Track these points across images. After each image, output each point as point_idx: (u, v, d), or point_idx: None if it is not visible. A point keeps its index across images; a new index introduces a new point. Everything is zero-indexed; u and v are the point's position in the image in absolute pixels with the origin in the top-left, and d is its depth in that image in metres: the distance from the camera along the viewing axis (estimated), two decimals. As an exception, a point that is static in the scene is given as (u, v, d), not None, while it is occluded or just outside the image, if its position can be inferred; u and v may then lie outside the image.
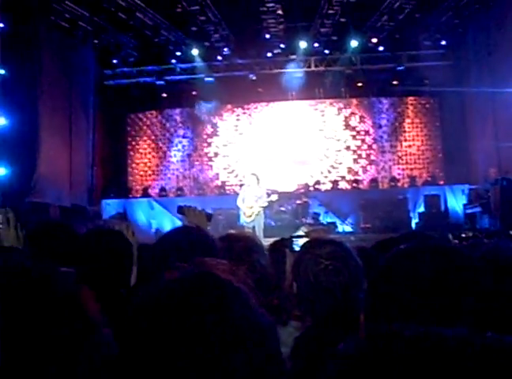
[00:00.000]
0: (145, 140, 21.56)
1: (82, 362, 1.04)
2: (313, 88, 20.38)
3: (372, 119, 20.84)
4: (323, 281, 2.36)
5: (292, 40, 18.69)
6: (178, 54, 19.47)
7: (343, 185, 20.39)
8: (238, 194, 13.83)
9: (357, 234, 16.33)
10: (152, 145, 21.53)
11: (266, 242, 4.35)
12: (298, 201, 17.70)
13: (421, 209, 17.81)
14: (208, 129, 21.17)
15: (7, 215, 3.06)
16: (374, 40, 18.56)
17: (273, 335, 1.10)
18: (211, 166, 21.06)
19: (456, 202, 17.63)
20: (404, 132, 20.79)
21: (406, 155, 20.66)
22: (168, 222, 18.05)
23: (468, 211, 16.10)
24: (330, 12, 16.73)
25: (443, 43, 18.78)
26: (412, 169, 20.54)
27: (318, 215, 17.68)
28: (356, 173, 20.48)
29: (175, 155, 21.30)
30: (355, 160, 20.60)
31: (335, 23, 17.49)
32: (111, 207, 18.70)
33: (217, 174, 20.96)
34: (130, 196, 20.36)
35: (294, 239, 3.46)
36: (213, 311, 1.02)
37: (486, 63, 16.27)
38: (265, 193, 13.27)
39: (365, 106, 20.97)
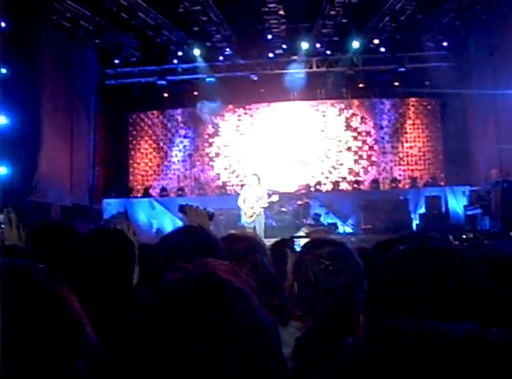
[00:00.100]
0: (147, 140, 21.56)
1: (65, 361, 1.05)
2: (314, 89, 20.38)
3: (373, 120, 20.84)
4: (324, 281, 2.37)
5: (294, 41, 18.69)
6: (180, 54, 19.47)
7: (344, 185, 20.38)
8: (239, 194, 13.83)
9: (358, 235, 16.31)
10: (154, 145, 21.53)
11: (267, 242, 4.35)
12: (299, 202, 17.70)
13: (422, 210, 17.80)
14: (210, 130, 21.17)
15: (9, 215, 3.07)
16: (376, 41, 18.55)
17: (275, 335, 1.10)
18: (212, 166, 21.06)
19: (457, 203, 17.62)
20: (406, 133, 20.78)
21: (407, 156, 20.65)
22: (169, 222, 18.06)
23: (469, 212, 16.08)
24: (332, 13, 16.73)
25: (445, 44, 18.76)
26: (413, 170, 20.53)
27: (319, 215, 17.68)
28: (357, 174, 20.48)
29: (176, 155, 21.30)
30: (356, 161, 20.60)
31: (337, 24, 17.48)
32: (111, 206, 18.69)
33: (218, 174, 20.96)
34: (131, 195, 20.34)
35: (295, 240, 3.46)
36: (215, 312, 1.02)
37: (488, 64, 16.27)
38: (266, 193, 13.27)
39: (366, 107, 20.97)
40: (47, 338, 1.03)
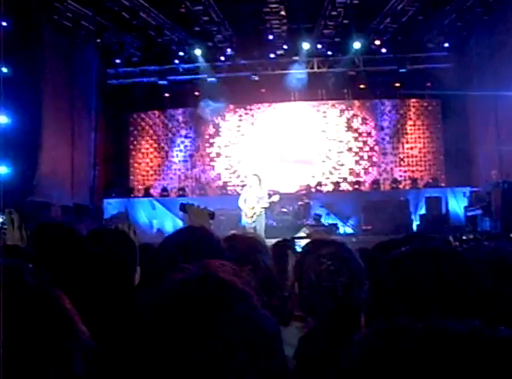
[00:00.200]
0: (147, 140, 21.55)
1: (59, 360, 1.05)
2: (315, 90, 20.38)
3: (374, 121, 20.83)
4: (325, 281, 2.37)
5: (295, 41, 18.68)
6: (181, 54, 19.46)
7: (344, 186, 20.38)
8: (239, 195, 13.81)
9: (358, 235, 16.33)
10: (155, 145, 21.52)
11: (268, 242, 4.36)
12: (299, 202, 17.70)
13: (422, 211, 17.82)
14: (211, 130, 21.16)
15: (11, 216, 3.07)
16: (377, 42, 18.54)
17: (277, 337, 1.11)
18: (213, 166, 21.05)
19: (457, 204, 17.63)
20: (406, 134, 20.77)
21: (408, 157, 20.65)
22: (170, 222, 18.08)
23: (470, 213, 16.08)
24: (333, 13, 16.73)
25: (446, 45, 18.75)
26: (413, 171, 20.53)
27: (320, 216, 17.68)
28: (358, 174, 20.48)
29: (177, 155, 21.29)
30: (356, 162, 20.59)
31: (338, 24, 17.49)
32: (112, 206, 18.71)
33: (219, 174, 20.96)
34: (132, 195, 20.33)
35: (296, 240, 3.47)
36: (217, 313, 1.02)
37: (489, 66, 16.26)
38: (267, 193, 13.25)
39: (367, 107, 20.97)
40: (39, 337, 1.03)
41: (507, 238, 9.86)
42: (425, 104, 20.90)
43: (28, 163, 14.61)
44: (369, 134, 20.78)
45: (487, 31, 16.40)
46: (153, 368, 0.99)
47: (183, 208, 3.90)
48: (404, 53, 19.01)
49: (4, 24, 13.61)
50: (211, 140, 21.16)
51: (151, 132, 21.54)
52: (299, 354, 2.20)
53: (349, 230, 17.83)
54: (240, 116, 21.12)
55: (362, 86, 20.27)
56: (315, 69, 19.77)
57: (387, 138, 20.77)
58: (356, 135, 20.77)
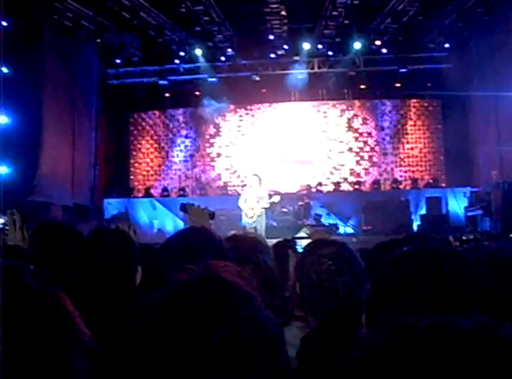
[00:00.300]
0: (148, 140, 21.55)
1: (59, 360, 1.05)
2: (316, 90, 20.38)
3: (375, 121, 20.84)
4: (326, 281, 2.38)
5: (296, 41, 18.67)
6: (182, 54, 19.45)
7: (345, 186, 20.38)
8: (240, 195, 13.81)
9: (359, 235, 16.32)
10: (155, 145, 21.51)
11: (268, 242, 4.36)
12: (300, 202, 17.69)
13: (423, 211, 17.84)
14: (211, 130, 21.16)
15: (13, 217, 3.07)
16: (378, 42, 18.55)
17: (280, 337, 1.11)
18: (213, 166, 21.05)
19: (457, 205, 17.64)
20: (407, 134, 20.77)
21: (408, 157, 20.65)
22: (170, 222, 18.09)
23: (470, 213, 16.09)
24: (334, 13, 16.73)
25: (447, 45, 18.75)
26: (414, 171, 20.52)
27: (320, 216, 17.69)
28: (358, 175, 20.48)
29: (178, 155, 21.29)
30: (357, 162, 20.59)
31: (339, 25, 17.49)
32: (113, 206, 18.72)
33: (219, 174, 20.96)
34: (132, 195, 20.33)
35: (297, 240, 3.48)
36: (221, 314, 1.02)
37: (489, 66, 16.27)
38: (267, 194, 13.24)
39: (368, 108, 20.97)
40: (40, 338, 1.03)
41: (507, 238, 9.87)
42: (425, 104, 20.90)
43: (29, 162, 14.61)
44: (369, 134, 20.78)
45: (487, 32, 16.41)
46: (156, 368, 0.99)
47: (183, 208, 3.90)
48: (405, 53, 19.01)
49: (4, 24, 13.61)
50: (211, 140, 21.16)
51: (151, 132, 21.54)
52: (301, 354, 2.20)
53: (349, 231, 17.84)
54: (241, 116, 21.12)
55: (362, 86, 20.27)
56: (316, 70, 19.76)
57: (387, 138, 20.77)
58: (357, 135, 20.77)
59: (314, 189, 19.49)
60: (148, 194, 20.18)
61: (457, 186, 18.05)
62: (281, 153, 20.32)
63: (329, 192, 19.89)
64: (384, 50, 19.04)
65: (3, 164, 13.95)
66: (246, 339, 1.01)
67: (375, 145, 20.71)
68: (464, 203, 16.85)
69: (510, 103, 15.01)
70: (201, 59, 19.16)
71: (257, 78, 19.67)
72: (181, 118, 21.51)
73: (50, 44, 15.76)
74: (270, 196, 13.30)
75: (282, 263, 3.35)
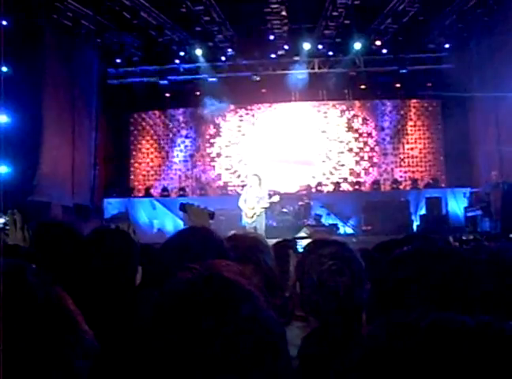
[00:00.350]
0: (148, 140, 21.54)
1: (61, 359, 1.05)
2: (316, 90, 20.37)
3: (375, 121, 20.84)
4: (327, 281, 2.38)
5: (296, 42, 18.66)
6: (182, 54, 19.45)
7: (345, 186, 20.38)
8: (240, 195, 13.82)
9: (358, 235, 16.33)
10: (155, 145, 21.51)
11: (268, 242, 4.36)
12: (300, 203, 17.69)
13: (422, 212, 17.84)
14: (211, 130, 21.16)
15: (14, 217, 3.07)
16: (378, 43, 18.54)
17: (282, 337, 1.11)
18: (213, 166, 21.05)
19: (457, 205, 17.65)
20: (407, 134, 20.77)
21: (408, 157, 20.65)
22: (170, 222, 18.09)
23: (469, 214, 16.10)
24: (334, 14, 16.72)
25: (447, 46, 18.75)
26: (414, 171, 20.53)
27: (320, 216, 17.69)
28: (358, 175, 20.48)
29: (178, 155, 21.28)
30: (357, 162, 20.59)
31: (339, 25, 17.48)
32: (112, 206, 18.72)
33: (219, 174, 20.95)
34: (132, 195, 20.34)
35: (297, 240, 3.48)
36: (223, 313, 1.02)
37: (489, 67, 16.26)
38: (267, 194, 13.26)
39: (368, 108, 20.97)
40: (41, 337, 1.03)
41: (507, 238, 9.88)
42: (425, 105, 20.90)
43: (29, 162, 14.60)
44: (369, 135, 20.79)
45: (487, 32, 16.41)
46: (159, 367, 0.99)
47: (183, 208, 3.90)
48: (405, 53, 19.00)
49: (4, 23, 13.60)
50: (211, 141, 21.15)
51: (151, 132, 21.54)
52: (302, 353, 2.20)
53: (349, 231, 17.85)
54: (241, 116, 21.11)
55: (362, 86, 20.27)
56: (316, 70, 19.76)
57: (388, 139, 20.78)
58: (357, 135, 20.77)
59: (313, 190, 19.49)
60: (148, 194, 20.18)
61: (456, 187, 18.06)
62: (281, 153, 20.32)
63: (329, 192, 19.89)
64: (384, 51, 19.04)
65: (3, 164, 13.94)
66: (249, 339, 1.01)
67: (375, 145, 20.71)
68: (464, 203, 16.86)
69: (510, 104, 15.01)
70: (202, 59, 19.15)
71: (258, 78, 19.67)
72: (181, 118, 21.51)
73: (50, 44, 15.76)
74: (270, 196, 13.32)
75: (282, 263, 3.34)
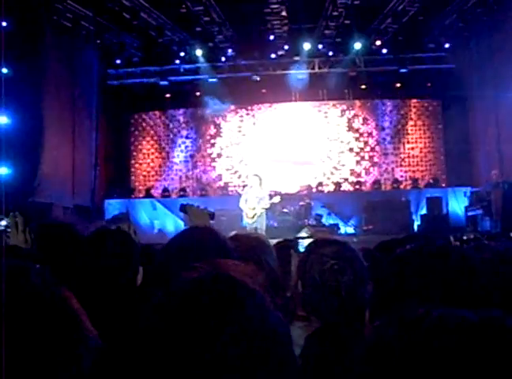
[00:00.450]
0: (148, 141, 21.55)
1: (66, 357, 1.05)
2: (316, 90, 20.36)
3: (375, 121, 20.84)
4: (328, 280, 2.38)
5: (296, 42, 18.67)
6: (182, 54, 19.45)
7: (345, 186, 20.38)
8: (240, 195, 13.83)
9: (359, 235, 16.32)
10: (156, 146, 21.52)
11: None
12: (300, 203, 17.68)
13: (423, 211, 17.85)
14: (212, 130, 21.17)
15: (16, 219, 3.07)
16: (378, 42, 18.55)
17: (287, 336, 1.11)
18: (214, 167, 21.05)
19: (458, 204, 17.64)
20: (407, 134, 20.78)
21: (409, 157, 20.65)
22: (171, 222, 18.09)
23: (470, 213, 16.09)
24: (334, 14, 16.73)
25: (447, 45, 18.75)
26: (414, 171, 20.53)
27: (321, 216, 17.68)
28: (359, 175, 20.48)
29: (178, 155, 21.29)
30: (357, 162, 20.59)
31: (339, 25, 17.49)
32: (113, 207, 18.72)
33: (220, 175, 20.96)
34: (133, 196, 20.35)
35: (299, 240, 3.48)
36: (229, 313, 1.03)
37: (489, 66, 16.26)
38: (268, 194, 13.27)
39: (368, 108, 20.97)
40: (46, 335, 1.04)
41: (508, 237, 9.87)
42: (426, 104, 20.90)
43: (29, 163, 14.60)
44: (370, 134, 20.79)
45: (487, 32, 16.40)
46: (165, 366, 0.99)
47: (183, 209, 3.90)
48: (405, 53, 18.99)
49: (4, 24, 13.61)
50: (212, 141, 21.16)
51: (152, 132, 21.54)
52: (306, 353, 2.20)
53: (350, 231, 17.84)
54: (241, 116, 21.12)
55: (363, 86, 20.27)
56: (316, 70, 19.75)
57: (388, 138, 20.78)
58: (357, 135, 20.77)
59: (314, 190, 19.50)
60: (148, 195, 20.18)
61: (457, 186, 18.05)
62: (282, 153, 20.32)
63: (329, 192, 19.90)
64: (384, 51, 19.04)
65: (4, 165, 13.94)
66: (255, 338, 1.01)
67: (376, 145, 20.71)
68: (465, 203, 16.85)
69: (510, 103, 15.01)
70: (202, 59, 19.16)
71: (258, 78, 19.67)
72: (181, 119, 21.52)
73: (50, 45, 15.76)
74: (271, 196, 13.33)
75: (284, 263, 3.34)
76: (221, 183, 20.85)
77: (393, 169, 20.58)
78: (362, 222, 17.73)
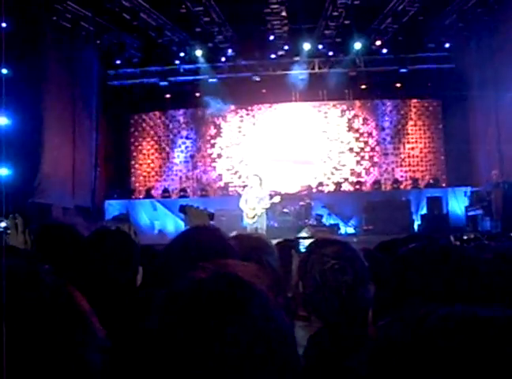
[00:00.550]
0: (148, 141, 21.55)
1: (76, 355, 1.06)
2: (316, 90, 20.35)
3: (375, 121, 20.84)
4: (329, 280, 2.37)
5: (296, 42, 18.68)
6: (182, 54, 19.46)
7: (346, 186, 20.39)
8: (241, 195, 13.82)
9: (359, 235, 16.33)
10: (156, 146, 21.52)
11: (270, 243, 4.35)
12: (301, 203, 17.70)
13: (423, 211, 17.85)
14: (212, 130, 21.17)
15: (15, 221, 3.07)
16: (378, 42, 18.56)
17: (291, 336, 1.12)
18: (214, 167, 21.05)
19: (458, 204, 17.65)
20: (407, 134, 20.78)
21: (409, 157, 20.65)
22: (171, 223, 18.09)
23: (470, 213, 16.11)
24: (334, 14, 16.73)
25: (447, 45, 18.77)
26: (414, 171, 20.53)
27: (321, 216, 17.69)
28: (359, 175, 20.48)
29: (178, 156, 21.29)
30: (358, 162, 20.60)
31: (339, 25, 17.48)
32: (113, 207, 18.72)
33: (220, 175, 20.96)
34: (133, 197, 20.36)
35: (300, 240, 3.47)
36: (236, 313, 1.03)
37: (489, 66, 16.26)
38: (268, 194, 13.27)
39: (368, 108, 20.97)
40: (59, 335, 1.04)
41: (508, 237, 9.87)
42: (426, 104, 20.90)
43: (30, 164, 14.59)
44: (370, 134, 20.79)
45: (487, 32, 16.41)
46: (171, 365, 1.00)
47: (183, 210, 3.91)
48: (405, 53, 18.99)
49: (4, 25, 13.59)
50: (212, 141, 21.16)
51: (152, 133, 21.55)
52: (309, 353, 2.20)
53: (351, 231, 17.85)
54: (241, 117, 21.12)
55: (363, 86, 20.27)
56: (316, 70, 19.75)
57: (388, 138, 20.78)
58: (357, 135, 20.77)
59: (314, 190, 19.52)
60: (148, 195, 20.19)
61: (457, 186, 18.06)
62: (282, 153, 20.32)
63: (329, 192, 19.91)
64: (384, 51, 19.04)
65: (4, 166, 13.93)
66: (259, 339, 1.01)
67: (376, 145, 20.72)
68: (465, 203, 16.86)
69: (510, 103, 15.00)
70: (202, 60, 19.16)
71: (258, 79, 19.69)
72: (181, 119, 21.53)
73: (50, 45, 15.76)
74: (271, 196, 13.33)
75: (285, 263, 3.34)
76: (221, 183, 20.86)
77: (393, 169, 20.58)
78: (362, 222, 17.74)
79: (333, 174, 20.50)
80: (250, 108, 21.08)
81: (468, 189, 17.04)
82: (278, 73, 19.74)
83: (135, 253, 2.93)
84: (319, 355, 2.18)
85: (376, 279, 2.28)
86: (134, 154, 21.54)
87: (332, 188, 20.18)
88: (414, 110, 20.93)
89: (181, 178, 21.14)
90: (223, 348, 0.98)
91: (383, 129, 20.81)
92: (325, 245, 2.51)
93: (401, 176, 20.47)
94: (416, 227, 17.42)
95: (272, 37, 18.70)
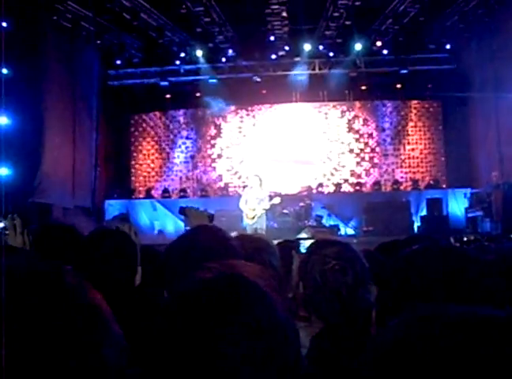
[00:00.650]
0: (149, 142, 21.56)
1: (94, 357, 1.06)
2: (317, 91, 20.35)
3: (375, 122, 20.84)
4: (330, 281, 2.37)
5: (297, 42, 18.68)
6: (183, 55, 19.45)
7: (346, 187, 20.39)
8: (241, 196, 13.82)
9: (359, 236, 16.34)
10: (156, 146, 21.53)
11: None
12: (301, 204, 17.70)
13: (423, 213, 17.85)
14: (212, 131, 21.18)
15: (14, 222, 3.06)
16: (379, 43, 18.55)
17: (296, 337, 1.12)
18: (214, 167, 21.05)
19: (458, 206, 17.65)
20: (408, 135, 20.78)
21: (409, 158, 20.65)
22: (171, 223, 18.10)
23: (470, 215, 16.11)
24: (335, 15, 16.73)
25: (447, 46, 18.77)
26: (414, 172, 20.53)
27: (321, 217, 17.69)
28: (359, 176, 20.48)
29: (179, 156, 21.29)
30: (358, 163, 20.60)
31: (340, 26, 17.48)
32: (113, 208, 18.73)
33: (220, 175, 20.96)
34: (133, 197, 20.37)
35: (300, 241, 3.47)
36: (241, 313, 1.04)
37: (490, 67, 16.26)
38: (268, 195, 13.27)
39: (368, 109, 20.97)
40: (82, 335, 1.04)
41: (508, 239, 9.88)
42: (426, 106, 20.90)
43: (30, 164, 14.59)
44: (370, 135, 20.79)
45: (488, 33, 16.40)
46: (177, 365, 1.00)
47: (183, 211, 3.90)
48: (406, 54, 18.98)
49: (4, 24, 13.60)
50: (212, 142, 21.17)
51: (152, 133, 21.55)
52: (311, 354, 2.20)
53: (350, 232, 17.86)
54: (241, 117, 21.12)
55: (363, 87, 20.27)
56: (316, 71, 19.74)
57: (388, 139, 20.78)
58: (357, 136, 20.77)
59: (314, 191, 19.52)
60: (148, 195, 20.20)
61: (457, 187, 18.07)
62: (282, 154, 20.32)
63: (329, 193, 19.90)
64: (385, 51, 19.04)
65: (4, 166, 13.93)
66: (263, 339, 1.02)
67: (376, 146, 20.72)
68: (465, 204, 16.87)
69: (510, 104, 15.00)
70: (202, 60, 19.16)
71: (258, 79, 19.69)
72: (182, 119, 21.53)
73: (50, 45, 15.76)
74: (271, 197, 13.33)
75: (285, 263, 3.34)
76: (221, 184, 20.86)
77: (393, 170, 20.59)
78: (362, 223, 17.73)
79: (333, 175, 20.50)
80: (250, 109, 21.09)
81: (468, 190, 17.05)
82: (278, 73, 19.75)
83: (134, 253, 2.92)
84: (323, 356, 2.17)
85: (377, 280, 2.27)
86: (134, 154, 21.54)
87: (332, 189, 20.18)
88: (414, 111, 20.94)
89: (181, 178, 21.14)
90: (228, 348, 0.99)
91: (383, 130, 20.81)
92: (326, 245, 2.51)
93: (401, 177, 20.47)
94: (415, 228, 17.41)
95: (272, 38, 18.70)
